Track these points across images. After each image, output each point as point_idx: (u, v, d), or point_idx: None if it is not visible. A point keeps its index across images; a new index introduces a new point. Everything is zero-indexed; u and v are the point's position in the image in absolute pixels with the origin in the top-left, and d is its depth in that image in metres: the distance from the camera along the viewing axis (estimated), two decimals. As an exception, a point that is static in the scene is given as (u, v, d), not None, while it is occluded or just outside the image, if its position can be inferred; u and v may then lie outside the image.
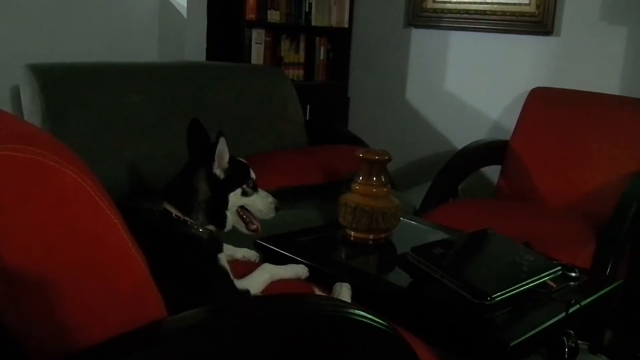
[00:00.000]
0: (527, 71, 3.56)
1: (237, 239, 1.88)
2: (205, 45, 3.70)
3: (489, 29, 3.66)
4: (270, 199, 1.81)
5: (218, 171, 1.68)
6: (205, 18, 3.68)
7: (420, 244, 1.87)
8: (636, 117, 3.05)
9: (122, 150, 2.64)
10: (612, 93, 3.25)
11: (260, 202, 1.78)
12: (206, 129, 1.73)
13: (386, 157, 2.18)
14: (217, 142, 1.65)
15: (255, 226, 1.80)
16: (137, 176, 2.65)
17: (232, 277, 1.65)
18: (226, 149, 1.68)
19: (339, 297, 1.69)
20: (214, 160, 1.67)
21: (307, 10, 4.00)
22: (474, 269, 1.89)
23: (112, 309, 1.05)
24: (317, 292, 1.76)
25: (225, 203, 1.71)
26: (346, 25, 4.22)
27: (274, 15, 3.83)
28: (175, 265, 1.52)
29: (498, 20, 3.63)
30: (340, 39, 4.25)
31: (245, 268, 1.80)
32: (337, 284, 1.77)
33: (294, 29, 4.02)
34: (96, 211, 1.01)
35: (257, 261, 1.99)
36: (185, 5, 3.59)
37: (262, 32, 3.82)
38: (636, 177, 2.84)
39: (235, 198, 1.73)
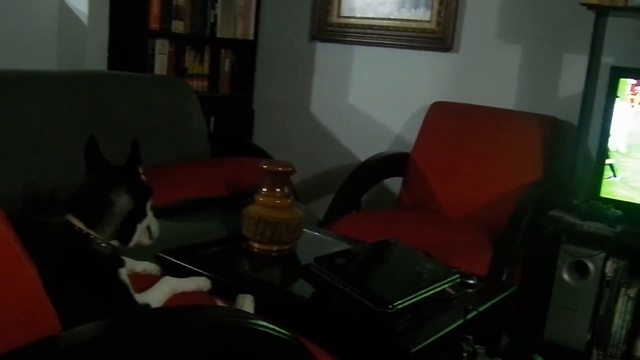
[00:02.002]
0: (428, 86, 3.66)
1: (138, 253, 1.84)
2: (106, 55, 3.61)
3: (392, 44, 3.75)
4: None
5: (144, 178, 1.65)
6: (107, 26, 3.59)
7: (323, 255, 1.88)
8: (529, 130, 3.19)
9: (17, 161, 2.53)
10: (507, 107, 3.39)
11: (153, 223, 1.75)
12: (99, 149, 1.68)
13: (289, 169, 2.19)
14: (137, 151, 1.62)
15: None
16: (34, 188, 2.55)
17: (132, 291, 1.61)
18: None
19: (242, 309, 1.68)
20: (141, 168, 1.63)
21: (212, 21, 3.98)
22: (375, 278, 1.92)
23: (2, 325, 1.01)
24: (220, 304, 1.74)
25: (143, 214, 1.67)
26: (251, 38, 4.21)
27: (178, 26, 3.79)
28: (73, 280, 1.48)
29: (401, 36, 3.72)
30: (245, 51, 4.24)
31: (146, 282, 1.76)
32: (240, 295, 1.76)
33: (198, 40, 3.98)
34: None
35: (158, 274, 1.95)
36: (87, 12, 3.49)
37: (166, 42, 3.76)
38: (530, 188, 2.98)
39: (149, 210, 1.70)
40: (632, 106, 2.77)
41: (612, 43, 3.07)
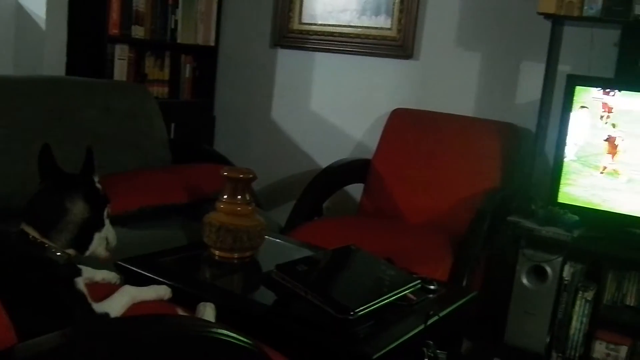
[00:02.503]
0: (389, 92, 3.69)
1: (96, 261, 1.81)
2: (65, 60, 3.55)
3: (353, 51, 3.77)
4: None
5: (100, 186, 1.62)
6: (66, 31, 3.53)
7: (284, 262, 1.88)
8: (488, 137, 3.23)
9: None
10: (467, 114, 3.43)
11: (110, 233, 1.73)
12: (54, 156, 1.65)
13: (250, 176, 2.18)
14: (92, 158, 1.60)
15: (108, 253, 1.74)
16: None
17: (89, 300, 1.58)
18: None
19: (203, 317, 1.67)
20: (96, 176, 1.61)
21: (172, 27, 3.95)
22: (337, 285, 1.92)
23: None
24: (180, 312, 1.72)
25: (100, 222, 1.64)
26: (212, 44, 4.19)
27: (138, 31, 3.75)
28: (28, 290, 1.44)
29: (362, 43, 3.74)
30: (206, 57, 4.22)
31: (106, 291, 1.73)
32: (201, 303, 1.75)
33: (158, 46, 3.95)
34: None
35: (117, 283, 1.92)
36: (44, 16, 3.43)
37: (125, 47, 3.72)
38: (489, 194, 3.02)
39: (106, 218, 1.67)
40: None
41: (569, 52, 3.13)
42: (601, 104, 2.80)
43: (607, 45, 3.04)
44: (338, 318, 1.69)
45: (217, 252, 2.21)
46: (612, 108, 2.79)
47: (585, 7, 2.81)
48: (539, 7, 2.88)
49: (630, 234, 2.76)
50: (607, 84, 2.83)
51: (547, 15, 2.90)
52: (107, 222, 1.69)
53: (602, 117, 2.81)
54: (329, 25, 3.83)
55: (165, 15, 3.91)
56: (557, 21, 2.97)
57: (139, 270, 2.02)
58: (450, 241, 2.83)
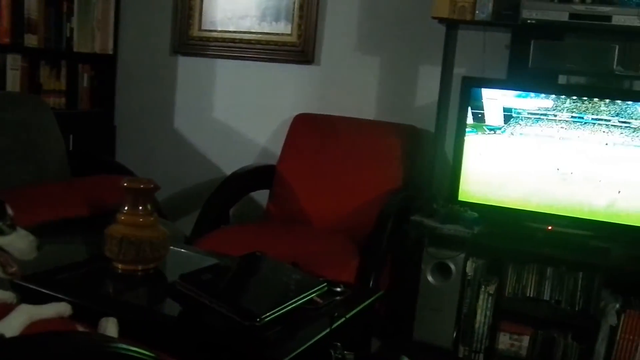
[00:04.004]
0: (291, 98, 3.70)
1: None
2: (-49, 71, 3.40)
3: (254, 57, 3.76)
4: (31, 237, 1.69)
5: None
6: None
7: (188, 272, 1.86)
8: (390, 139, 3.30)
9: None
10: (368, 118, 3.49)
11: (20, 241, 1.66)
12: None
13: (151, 186, 2.15)
14: None
15: (14, 269, 1.67)
16: None
17: (-17, 322, 1.52)
18: None
19: (105, 333, 1.63)
20: None
21: (68, 35, 3.83)
22: (243, 292, 1.92)
23: None
24: (80, 329, 1.67)
25: None
26: (111, 52, 4.09)
27: (31, 40, 3.62)
28: None
29: (263, 49, 3.74)
30: (104, 66, 4.11)
31: (1, 311, 1.66)
32: (103, 319, 1.70)
33: (54, 55, 3.82)
34: None
35: (14, 303, 1.84)
36: None
37: (18, 57, 3.58)
38: (392, 195, 3.07)
39: None
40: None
41: (464, 54, 3.23)
42: (495, 104, 2.91)
43: (499, 47, 3.15)
44: (245, 325, 1.68)
45: (120, 265, 2.16)
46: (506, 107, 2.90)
47: (477, 12, 2.91)
48: (433, 12, 2.96)
49: (527, 227, 2.88)
50: (500, 84, 2.95)
51: (440, 20, 2.99)
52: (13, 233, 1.63)
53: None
54: (230, 31, 3.81)
55: (59, 23, 3.78)
56: (450, 25, 3.06)
57: (37, 288, 1.95)
58: (356, 243, 2.87)
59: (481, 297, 2.84)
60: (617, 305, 2.69)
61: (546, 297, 2.79)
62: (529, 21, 2.75)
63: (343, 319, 1.83)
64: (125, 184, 2.14)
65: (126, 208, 2.15)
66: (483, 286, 2.84)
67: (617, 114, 2.74)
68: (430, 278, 2.86)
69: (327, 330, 1.76)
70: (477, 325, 2.86)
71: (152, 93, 4.11)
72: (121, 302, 2.02)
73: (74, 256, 2.38)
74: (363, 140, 3.34)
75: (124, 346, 1.20)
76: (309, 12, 3.60)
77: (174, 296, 1.85)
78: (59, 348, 1.16)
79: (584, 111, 2.78)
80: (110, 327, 1.67)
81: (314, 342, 1.73)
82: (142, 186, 2.14)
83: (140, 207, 2.15)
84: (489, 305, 2.84)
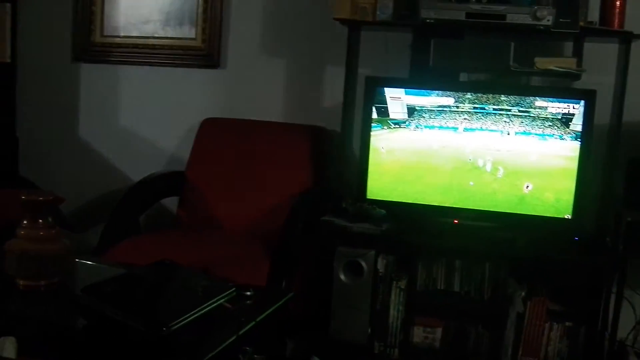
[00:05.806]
0: (198, 103, 3.67)
1: None
2: None
3: (159, 62, 3.71)
4: None
5: None
6: None
7: (91, 284, 1.82)
8: (298, 140, 3.32)
9: None
10: (277, 120, 3.50)
11: None
12: None
13: (51, 198, 2.08)
14: None
15: None
16: None
17: None
18: None
19: (2, 354, 1.57)
20: None
21: (-39, 44, 3.68)
22: (149, 301, 1.88)
23: None
24: (-25, 351, 1.61)
25: None
26: (9, 60, 3.94)
27: None
28: None
29: (168, 54, 3.69)
30: (3, 75, 3.96)
31: None
32: (1, 338, 1.64)
33: (-54, 66, 3.66)
34: None
35: None
36: None
37: None
38: (300, 196, 3.09)
39: None
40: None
41: (368, 55, 3.27)
42: (399, 102, 2.97)
43: (402, 47, 3.22)
44: (151, 334, 1.65)
45: (21, 281, 2.08)
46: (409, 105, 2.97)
47: (378, 12, 2.95)
48: (335, 13, 2.99)
49: (435, 222, 2.94)
50: (402, 83, 3.01)
51: (342, 21, 3.02)
52: None
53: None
54: (133, 37, 3.74)
55: (-49, 32, 3.63)
56: (352, 26, 3.09)
57: None
58: (268, 246, 2.87)
59: (393, 292, 2.88)
60: (523, 293, 2.79)
61: (456, 288, 2.85)
62: (427, 21, 2.81)
63: (252, 323, 1.82)
64: (23, 197, 2.07)
65: (25, 222, 2.08)
66: (395, 282, 2.88)
67: (517, 104, 2.85)
68: (342, 277, 2.88)
69: (234, 336, 1.76)
70: (390, 321, 2.90)
71: (54, 102, 3.99)
72: (22, 319, 1.95)
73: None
74: (272, 142, 3.35)
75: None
76: (212, 16, 3.58)
77: (79, 310, 1.81)
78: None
79: (485, 102, 2.88)
80: (8, 346, 1.61)
81: (222, 348, 1.71)
82: (40, 198, 2.07)
83: (41, 221, 2.08)
84: (401, 300, 2.88)
